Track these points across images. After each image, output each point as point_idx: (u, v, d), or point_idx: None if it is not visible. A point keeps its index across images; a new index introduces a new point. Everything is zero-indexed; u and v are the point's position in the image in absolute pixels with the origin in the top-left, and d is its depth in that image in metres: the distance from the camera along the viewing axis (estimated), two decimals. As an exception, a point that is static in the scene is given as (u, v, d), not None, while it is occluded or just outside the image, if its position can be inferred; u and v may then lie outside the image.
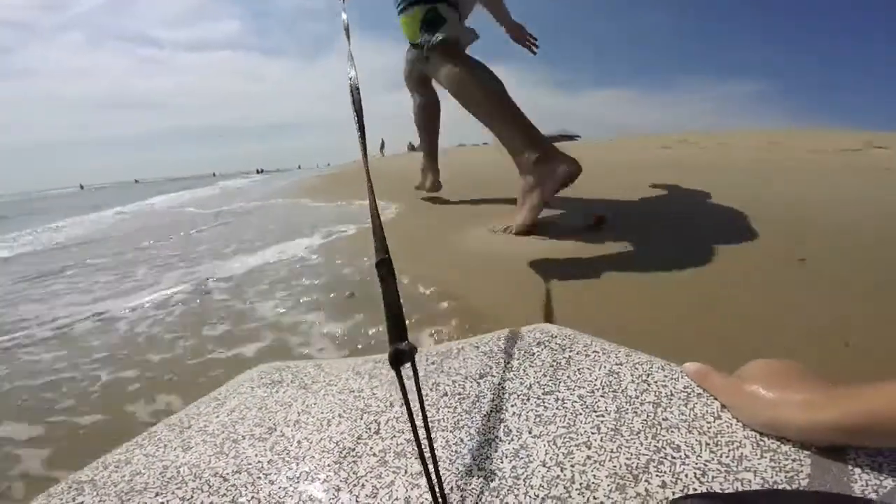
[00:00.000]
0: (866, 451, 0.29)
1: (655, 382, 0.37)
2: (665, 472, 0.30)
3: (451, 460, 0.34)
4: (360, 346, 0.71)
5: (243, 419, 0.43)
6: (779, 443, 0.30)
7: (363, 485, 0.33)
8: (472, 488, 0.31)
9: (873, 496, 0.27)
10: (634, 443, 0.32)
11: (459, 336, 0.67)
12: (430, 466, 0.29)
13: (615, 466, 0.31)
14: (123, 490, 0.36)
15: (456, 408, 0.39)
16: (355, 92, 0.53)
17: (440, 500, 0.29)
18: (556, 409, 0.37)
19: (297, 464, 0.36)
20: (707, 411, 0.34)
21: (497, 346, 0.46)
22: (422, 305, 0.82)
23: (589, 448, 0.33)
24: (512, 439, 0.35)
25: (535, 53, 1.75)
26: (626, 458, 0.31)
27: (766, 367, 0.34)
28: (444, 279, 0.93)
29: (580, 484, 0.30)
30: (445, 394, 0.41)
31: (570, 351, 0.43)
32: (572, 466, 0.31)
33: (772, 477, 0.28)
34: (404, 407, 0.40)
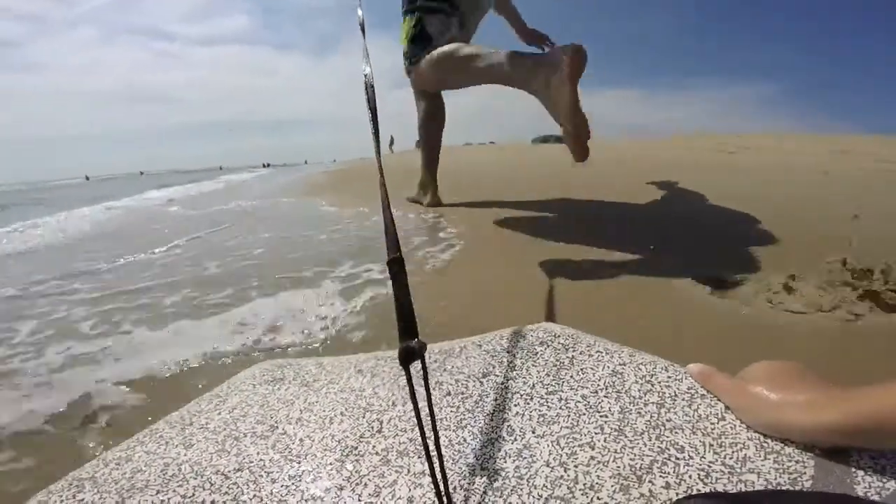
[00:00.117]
0: (869, 452, 0.29)
1: (659, 383, 0.37)
2: (669, 473, 0.30)
3: (454, 460, 0.34)
4: None
5: (245, 416, 0.42)
6: (782, 444, 0.30)
7: (366, 484, 0.33)
8: (476, 488, 0.31)
9: (876, 498, 0.27)
10: (638, 443, 0.32)
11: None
12: (437, 465, 0.29)
13: (619, 467, 0.31)
14: (124, 487, 0.36)
15: (459, 407, 0.39)
16: (370, 89, 0.52)
17: (445, 499, 0.29)
18: (560, 408, 0.37)
19: (300, 462, 0.36)
20: (711, 412, 0.34)
21: (500, 344, 0.46)
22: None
23: (592, 448, 0.32)
24: (515, 439, 0.34)
25: (548, 48, 1.74)
26: (630, 459, 0.31)
27: (769, 369, 0.34)
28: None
29: (584, 484, 0.30)
30: (448, 393, 0.41)
31: (574, 350, 0.43)
32: (576, 467, 0.31)
33: (775, 478, 0.28)
34: (407, 406, 0.40)
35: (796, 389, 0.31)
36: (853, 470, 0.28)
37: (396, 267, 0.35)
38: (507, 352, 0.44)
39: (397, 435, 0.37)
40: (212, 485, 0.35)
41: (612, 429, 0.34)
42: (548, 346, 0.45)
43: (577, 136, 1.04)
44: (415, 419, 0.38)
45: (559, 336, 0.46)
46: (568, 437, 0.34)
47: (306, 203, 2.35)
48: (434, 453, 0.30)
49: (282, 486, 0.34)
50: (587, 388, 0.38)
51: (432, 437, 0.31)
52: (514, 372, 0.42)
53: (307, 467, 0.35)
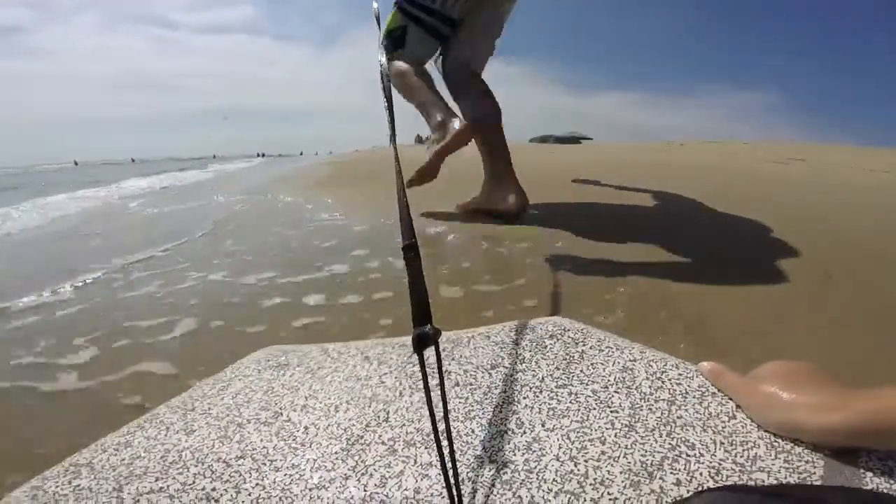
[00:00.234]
0: (878, 453, 0.29)
1: (670, 380, 0.37)
2: (680, 470, 0.30)
3: (462, 451, 0.33)
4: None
5: (248, 402, 0.42)
6: (792, 444, 0.30)
7: (371, 473, 0.32)
8: (484, 480, 0.31)
9: None
10: (649, 440, 0.32)
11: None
12: (447, 455, 0.29)
13: (629, 463, 0.31)
14: (122, 474, 0.35)
15: (467, 398, 0.38)
16: (385, 79, 0.56)
17: (455, 490, 0.28)
18: (570, 402, 0.36)
19: (304, 450, 0.35)
20: (722, 410, 0.34)
21: (508, 336, 0.46)
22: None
23: (603, 443, 0.32)
24: (525, 432, 0.34)
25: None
26: (641, 455, 0.31)
27: (780, 368, 0.34)
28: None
29: (594, 479, 0.30)
30: (457, 384, 0.40)
31: (584, 345, 0.43)
32: (586, 461, 0.31)
33: (785, 478, 0.28)
34: (414, 395, 0.39)
35: (807, 389, 0.31)
36: (862, 471, 0.28)
37: (411, 253, 0.35)
38: (516, 344, 0.44)
39: (404, 425, 0.36)
40: (213, 472, 0.34)
41: (622, 424, 0.34)
42: (557, 339, 0.44)
43: (420, 177, 1.34)
44: (422, 409, 0.38)
45: (569, 330, 0.45)
46: (578, 432, 0.33)
47: (299, 203, 1.98)
48: (445, 442, 0.29)
49: (285, 474, 0.33)
50: (597, 382, 0.38)
51: (443, 425, 0.31)
52: (524, 364, 0.41)
53: (311, 456, 0.35)
